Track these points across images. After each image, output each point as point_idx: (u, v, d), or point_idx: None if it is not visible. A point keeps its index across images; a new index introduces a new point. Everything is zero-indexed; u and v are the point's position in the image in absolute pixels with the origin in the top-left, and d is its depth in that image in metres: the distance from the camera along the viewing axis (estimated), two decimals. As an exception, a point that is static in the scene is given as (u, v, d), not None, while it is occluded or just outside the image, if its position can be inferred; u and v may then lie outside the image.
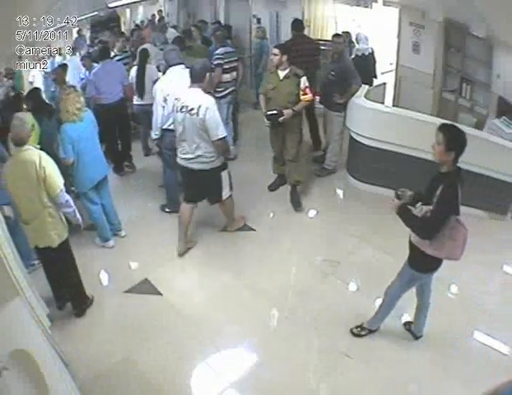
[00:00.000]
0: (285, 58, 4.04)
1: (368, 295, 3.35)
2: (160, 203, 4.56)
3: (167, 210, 4.48)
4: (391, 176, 4.27)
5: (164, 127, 4.02)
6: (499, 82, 4.78)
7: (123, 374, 2.83)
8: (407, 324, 3.10)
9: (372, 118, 4.61)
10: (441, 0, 5.01)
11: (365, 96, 4.82)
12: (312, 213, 4.41)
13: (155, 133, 4.08)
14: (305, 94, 4.06)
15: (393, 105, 5.68)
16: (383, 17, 6.35)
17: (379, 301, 3.28)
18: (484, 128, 4.89)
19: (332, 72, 4.68)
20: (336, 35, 4.87)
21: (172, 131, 4.00)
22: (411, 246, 2.66)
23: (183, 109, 3.38)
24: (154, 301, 3.40)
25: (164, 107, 3.92)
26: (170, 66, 4.04)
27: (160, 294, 3.47)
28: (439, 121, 4.37)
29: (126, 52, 6.16)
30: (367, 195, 4.60)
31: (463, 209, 4.59)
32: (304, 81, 4.05)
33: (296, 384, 2.74)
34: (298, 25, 5.19)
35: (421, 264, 2.66)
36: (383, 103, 5.50)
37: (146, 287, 3.53)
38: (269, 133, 4.39)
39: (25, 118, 2.81)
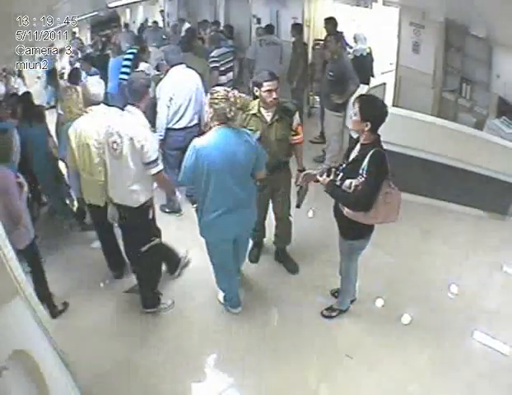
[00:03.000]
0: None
1: (368, 295, 3.35)
2: (159, 203, 4.55)
3: (167, 210, 4.48)
4: (391, 176, 4.26)
5: (168, 126, 4.06)
6: (499, 82, 4.77)
7: (123, 374, 2.84)
8: (335, 293, 3.24)
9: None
10: (441, 0, 5.00)
11: (365, 96, 4.82)
12: (311, 213, 4.41)
13: (160, 134, 4.03)
14: (297, 133, 3.20)
15: (393, 105, 5.67)
16: (383, 17, 6.34)
17: (379, 300, 3.30)
18: (484, 128, 4.88)
19: (331, 73, 4.68)
20: (328, 35, 4.90)
21: (175, 130, 4.07)
22: (342, 218, 2.69)
23: None
24: (154, 301, 3.40)
25: (169, 107, 3.96)
26: (172, 66, 4.08)
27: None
28: (439, 121, 4.42)
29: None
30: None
31: (463, 209, 4.61)
32: (297, 119, 3.17)
33: (296, 384, 2.74)
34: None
35: (355, 233, 2.74)
36: (383, 103, 5.50)
37: (146, 287, 3.53)
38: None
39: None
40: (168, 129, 4.06)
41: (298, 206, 2.98)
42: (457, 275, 3.51)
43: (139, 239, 3.01)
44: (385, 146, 4.32)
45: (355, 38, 5.90)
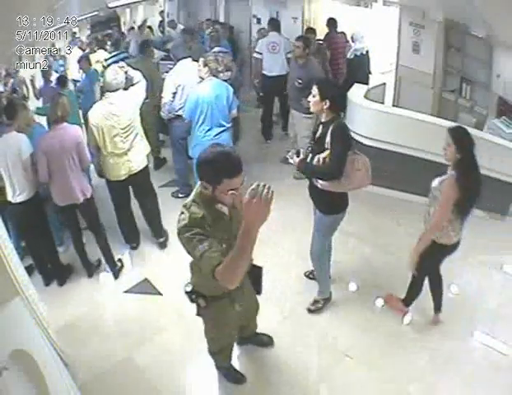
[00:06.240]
0: None
1: (368, 295, 3.35)
2: (159, 204, 4.56)
3: (180, 195, 4.60)
4: (391, 176, 4.27)
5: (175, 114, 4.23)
6: (499, 82, 4.78)
7: (123, 374, 2.84)
8: (310, 274, 3.45)
9: (372, 118, 4.61)
10: (441, 0, 5.01)
11: (365, 96, 4.82)
12: (311, 214, 4.40)
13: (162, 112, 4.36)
14: None
15: (393, 105, 5.68)
16: (383, 17, 6.34)
17: (379, 300, 3.30)
18: (484, 128, 4.89)
19: (299, 80, 4.44)
20: (297, 38, 4.56)
21: (183, 118, 4.18)
22: (319, 194, 2.87)
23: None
24: (154, 301, 3.41)
25: (174, 94, 4.17)
26: (179, 60, 4.36)
27: (160, 294, 3.47)
28: (439, 121, 4.42)
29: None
30: (367, 195, 4.58)
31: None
32: None
33: (296, 384, 2.73)
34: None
35: (334, 206, 2.90)
36: (383, 103, 5.51)
37: (146, 287, 3.54)
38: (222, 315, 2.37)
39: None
40: (175, 118, 4.27)
41: (259, 292, 2.46)
42: (457, 275, 3.51)
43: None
44: (385, 146, 4.40)
45: (353, 37, 5.92)
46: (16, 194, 3.21)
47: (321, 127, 2.79)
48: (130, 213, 3.89)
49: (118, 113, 3.38)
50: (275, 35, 5.58)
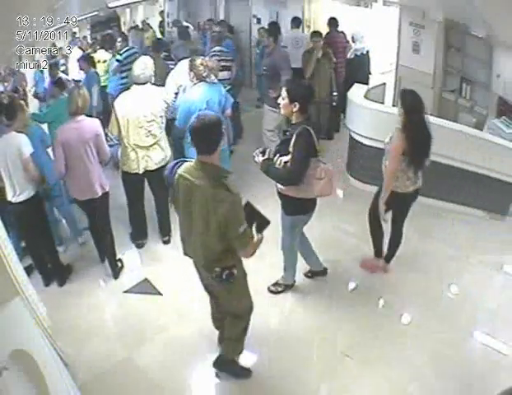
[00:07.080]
0: None
1: (367, 294, 3.35)
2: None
3: None
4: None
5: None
6: (499, 82, 4.78)
7: (123, 374, 2.83)
8: (308, 273, 3.47)
9: (372, 118, 4.61)
10: (441, 0, 5.01)
11: (365, 96, 4.82)
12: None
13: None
14: None
15: (393, 105, 5.68)
16: (383, 17, 6.34)
17: (379, 301, 3.30)
18: (484, 128, 4.89)
19: (265, 67, 4.97)
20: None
21: None
22: (281, 195, 2.91)
23: None
24: (154, 301, 3.41)
25: (176, 94, 4.16)
26: (180, 60, 4.41)
27: (160, 294, 3.46)
28: (439, 121, 4.42)
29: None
30: (367, 195, 4.58)
31: (463, 209, 4.58)
32: None
33: (296, 384, 2.73)
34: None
35: (295, 208, 2.91)
36: (383, 103, 5.51)
37: (146, 287, 3.54)
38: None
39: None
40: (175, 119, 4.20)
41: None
42: (457, 275, 3.51)
43: None
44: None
45: (353, 37, 5.92)
46: (16, 194, 3.21)
47: (290, 129, 2.78)
48: (142, 209, 3.88)
49: (144, 105, 3.40)
50: (297, 32, 6.19)
